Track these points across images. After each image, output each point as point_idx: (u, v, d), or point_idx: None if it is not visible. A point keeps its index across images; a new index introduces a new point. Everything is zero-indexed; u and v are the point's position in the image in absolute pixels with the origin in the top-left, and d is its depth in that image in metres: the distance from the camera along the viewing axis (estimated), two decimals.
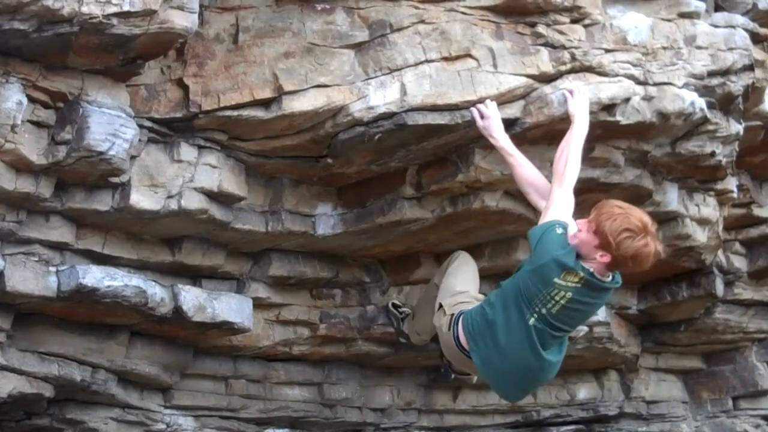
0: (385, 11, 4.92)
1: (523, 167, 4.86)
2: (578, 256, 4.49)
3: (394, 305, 5.86)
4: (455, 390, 6.83)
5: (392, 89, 4.81)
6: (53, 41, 4.24)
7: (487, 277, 6.07)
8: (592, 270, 4.49)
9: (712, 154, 5.58)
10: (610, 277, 4.60)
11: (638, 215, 4.44)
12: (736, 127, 5.64)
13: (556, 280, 4.50)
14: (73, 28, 4.18)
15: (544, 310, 4.55)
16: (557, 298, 4.52)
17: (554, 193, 4.72)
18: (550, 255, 4.50)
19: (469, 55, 4.93)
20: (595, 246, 4.45)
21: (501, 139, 4.84)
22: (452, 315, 4.90)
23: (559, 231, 4.55)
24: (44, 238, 4.85)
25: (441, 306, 5.04)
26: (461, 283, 5.21)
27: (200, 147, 4.92)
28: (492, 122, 4.83)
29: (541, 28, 5.07)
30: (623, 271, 4.62)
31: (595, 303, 4.69)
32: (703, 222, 6.08)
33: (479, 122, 4.84)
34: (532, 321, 4.59)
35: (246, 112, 4.81)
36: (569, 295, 4.51)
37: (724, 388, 7.52)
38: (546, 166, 5.26)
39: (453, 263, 5.40)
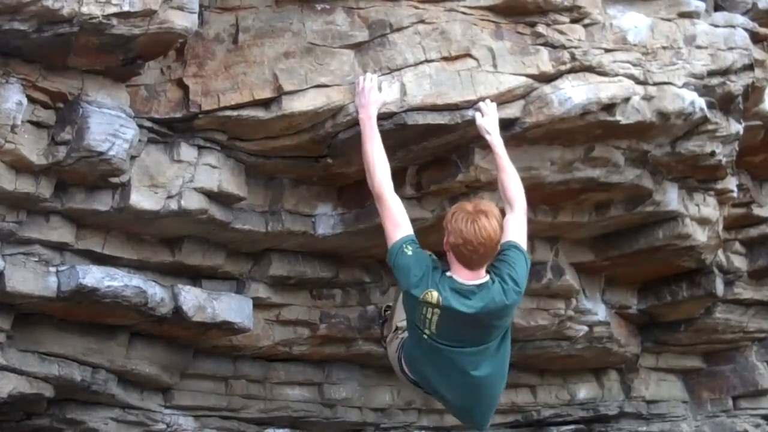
0: (385, 11, 4.92)
1: (504, 173, 4.80)
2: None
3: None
4: None
5: (392, 89, 4.81)
6: (53, 41, 4.24)
7: None
8: (453, 277, 4.43)
9: (712, 153, 5.58)
10: (484, 279, 4.47)
11: (477, 202, 4.49)
12: (736, 127, 5.64)
13: (419, 300, 4.44)
14: (72, 28, 4.18)
15: (427, 331, 4.50)
16: (428, 315, 4.46)
17: (507, 219, 4.65)
18: (405, 285, 4.47)
19: (469, 55, 4.93)
20: (445, 237, 4.48)
21: (495, 137, 4.82)
22: (401, 339, 4.84)
23: (408, 252, 4.49)
24: (44, 239, 4.85)
25: (397, 327, 4.98)
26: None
27: (200, 147, 4.92)
28: (490, 120, 4.82)
29: (540, 28, 5.07)
30: (465, 257, 4.43)
31: (487, 308, 4.47)
32: (703, 222, 6.08)
33: (478, 119, 4.83)
34: (427, 339, 4.53)
35: (246, 113, 4.81)
36: (438, 311, 4.44)
37: (724, 388, 7.52)
38: (546, 165, 5.28)
39: None
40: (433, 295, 4.42)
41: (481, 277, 4.48)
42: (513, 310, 4.61)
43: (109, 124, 4.52)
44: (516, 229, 4.65)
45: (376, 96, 4.74)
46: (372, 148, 4.66)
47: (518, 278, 4.52)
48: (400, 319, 4.94)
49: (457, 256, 4.46)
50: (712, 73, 5.40)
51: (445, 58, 4.90)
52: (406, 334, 4.80)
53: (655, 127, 5.26)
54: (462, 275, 4.47)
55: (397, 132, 4.86)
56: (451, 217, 4.45)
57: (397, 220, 4.59)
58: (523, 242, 4.64)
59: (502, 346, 4.67)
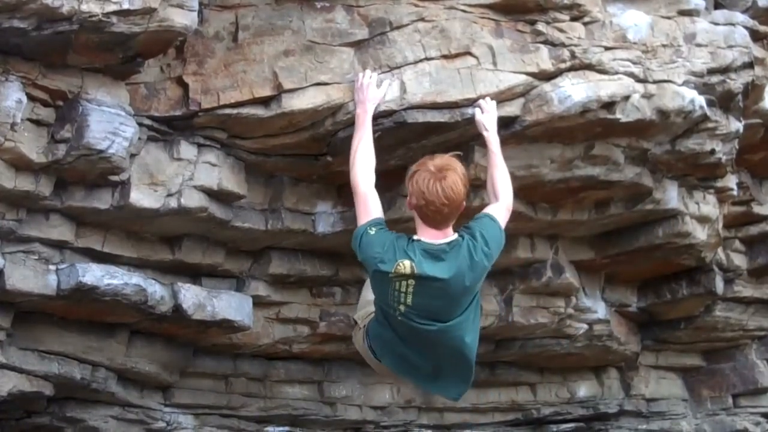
0: (385, 9, 4.92)
1: (496, 168, 4.78)
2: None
3: None
4: None
5: (392, 87, 4.81)
6: (53, 39, 4.24)
7: (486, 276, 6.07)
8: (421, 239, 4.37)
9: (712, 151, 5.58)
10: (453, 236, 4.41)
11: (441, 158, 4.38)
12: (736, 125, 5.64)
13: (390, 275, 4.37)
14: (72, 26, 4.18)
15: (402, 307, 4.43)
16: (402, 289, 4.39)
17: (488, 206, 4.67)
18: (372, 264, 4.41)
19: (469, 53, 4.93)
20: (408, 194, 4.41)
21: (491, 134, 4.81)
22: (364, 327, 4.79)
23: (371, 231, 4.44)
24: (44, 237, 4.85)
25: (356, 321, 4.94)
26: (368, 295, 5.03)
27: (200, 145, 4.92)
28: (488, 117, 4.82)
29: (540, 26, 5.07)
30: (430, 217, 4.37)
31: (460, 270, 4.39)
32: (703, 220, 6.08)
33: (477, 115, 4.83)
34: (401, 318, 4.47)
35: (246, 111, 4.81)
36: (412, 282, 4.37)
37: (724, 386, 7.52)
38: (546, 163, 5.28)
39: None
40: (406, 265, 4.34)
41: (449, 235, 4.43)
42: (482, 272, 4.49)
43: (109, 122, 4.52)
44: (494, 208, 4.63)
45: (374, 92, 4.74)
46: (359, 141, 4.66)
47: (488, 238, 4.45)
48: (362, 315, 4.87)
49: (421, 216, 4.40)
50: (712, 71, 5.40)
51: (444, 56, 4.90)
52: (368, 321, 4.75)
53: (655, 125, 5.26)
54: (429, 235, 4.41)
55: (397, 130, 4.86)
56: (412, 176, 4.37)
57: (368, 209, 4.54)
58: (500, 220, 4.57)
59: (473, 315, 4.59)
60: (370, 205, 4.56)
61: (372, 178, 4.62)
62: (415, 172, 4.39)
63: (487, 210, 4.63)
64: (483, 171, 5.11)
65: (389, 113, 4.81)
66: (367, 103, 4.71)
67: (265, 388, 6.19)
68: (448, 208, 4.34)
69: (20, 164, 4.53)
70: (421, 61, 4.87)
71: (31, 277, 4.83)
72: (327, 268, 5.76)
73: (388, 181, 5.29)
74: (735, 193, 6.20)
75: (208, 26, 4.83)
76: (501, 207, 4.67)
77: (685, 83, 5.29)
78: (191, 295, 5.27)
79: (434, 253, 4.38)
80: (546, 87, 4.99)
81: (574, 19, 5.15)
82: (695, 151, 5.55)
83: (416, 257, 4.35)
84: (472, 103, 4.86)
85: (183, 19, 4.42)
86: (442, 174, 4.33)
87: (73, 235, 4.93)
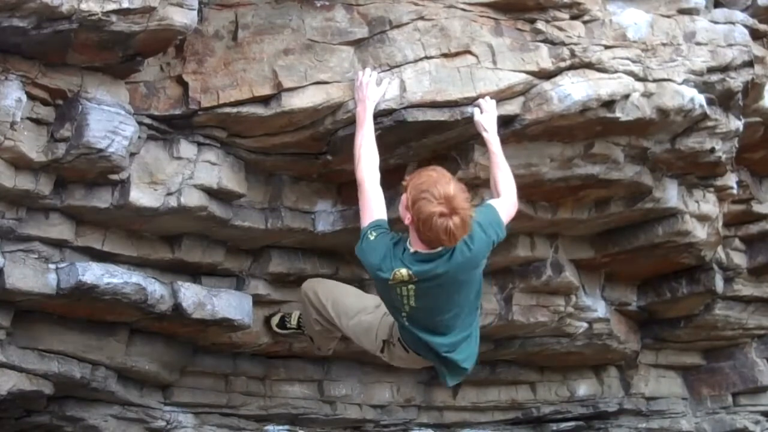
0: (385, 8, 4.92)
1: (498, 169, 4.80)
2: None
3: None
4: (455, 387, 6.83)
5: (392, 86, 4.81)
6: (52, 38, 4.23)
7: (486, 274, 6.06)
8: (417, 251, 4.37)
9: (712, 150, 5.59)
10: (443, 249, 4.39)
11: (446, 186, 4.23)
12: (736, 124, 5.64)
13: (390, 283, 4.43)
14: (72, 25, 4.18)
15: (407, 308, 4.49)
16: (404, 293, 4.44)
17: (493, 200, 4.70)
18: (372, 271, 4.46)
19: (469, 52, 4.93)
20: (405, 207, 4.36)
21: (491, 134, 4.82)
22: (398, 338, 4.81)
23: (371, 237, 4.46)
24: (44, 236, 4.85)
25: (384, 342, 4.91)
26: (355, 304, 5.10)
27: (200, 144, 4.92)
28: (488, 117, 4.82)
29: (540, 25, 5.07)
30: (428, 241, 4.33)
31: (456, 263, 4.40)
32: (702, 218, 6.08)
33: (476, 115, 4.83)
34: (407, 323, 4.57)
35: (245, 109, 4.81)
36: (412, 287, 4.42)
37: (723, 385, 7.52)
38: (545, 162, 5.27)
39: (322, 296, 5.19)
40: (403, 273, 4.39)
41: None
42: (483, 256, 4.50)
43: (109, 121, 4.52)
44: (495, 201, 4.66)
45: (374, 90, 4.75)
46: (363, 138, 4.67)
47: (485, 223, 4.45)
48: (379, 322, 4.90)
49: (419, 236, 4.36)
50: (711, 70, 5.40)
51: (444, 55, 4.90)
52: (388, 320, 4.80)
53: (655, 123, 5.26)
54: (425, 248, 4.40)
55: (397, 129, 4.86)
56: (415, 202, 4.26)
57: (371, 208, 4.55)
58: (500, 210, 4.59)
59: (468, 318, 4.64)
60: (373, 204, 4.57)
61: (377, 175, 4.64)
62: (416, 198, 4.26)
63: (489, 201, 4.67)
64: (483, 170, 5.12)
65: (389, 112, 4.81)
66: (367, 101, 4.72)
67: (265, 386, 6.19)
68: (448, 242, 4.32)
69: (20, 163, 4.53)
70: (420, 59, 4.87)
71: (31, 276, 4.83)
72: (327, 266, 5.76)
73: (389, 180, 5.27)
74: (735, 191, 6.20)
75: (207, 25, 4.83)
76: (503, 201, 4.70)
77: (685, 82, 5.29)
78: (191, 294, 5.27)
79: (430, 258, 4.41)
80: (546, 85, 4.99)
81: (573, 17, 5.15)
82: (695, 149, 5.55)
83: (412, 265, 4.39)
84: (472, 101, 4.87)
85: (183, 17, 4.42)
86: (449, 211, 4.22)
87: (72, 233, 4.93)
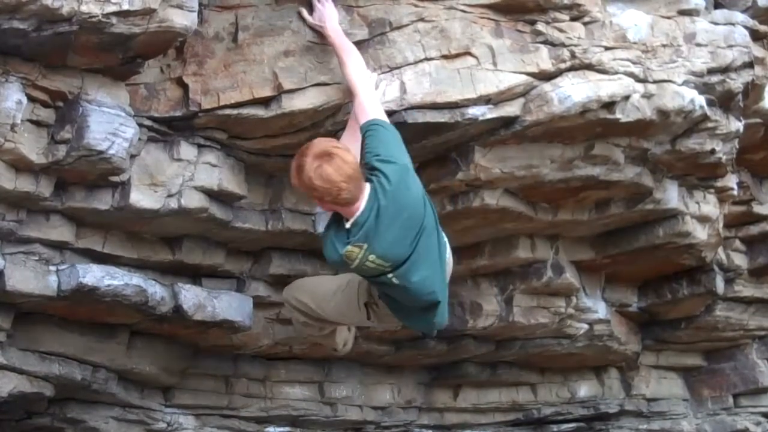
0: (385, 9, 4.91)
1: (345, 67, 4.65)
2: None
3: None
4: (456, 388, 6.84)
5: (392, 87, 4.80)
6: (53, 40, 4.23)
7: (487, 274, 6.09)
8: (348, 226, 4.34)
9: (712, 151, 5.59)
10: (366, 193, 4.32)
11: (305, 148, 4.34)
12: (736, 125, 5.64)
13: (355, 265, 4.40)
14: (72, 27, 4.17)
15: (387, 267, 4.41)
16: (361, 257, 4.37)
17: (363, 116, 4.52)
18: (341, 268, 4.50)
19: (469, 53, 4.93)
20: (307, 194, 4.45)
21: (332, 29, 4.68)
22: (378, 296, 4.76)
23: (327, 234, 4.47)
24: (44, 238, 4.85)
25: (366, 305, 4.87)
26: (330, 286, 5.04)
27: (200, 146, 4.92)
28: (326, 11, 4.70)
29: (540, 26, 5.06)
30: (337, 202, 4.32)
31: (387, 205, 4.32)
32: (703, 219, 6.08)
33: (309, 18, 4.74)
34: (396, 280, 4.48)
35: (246, 111, 4.81)
36: (366, 253, 4.35)
37: (724, 386, 7.53)
38: (546, 163, 5.27)
39: (301, 296, 5.12)
40: (352, 250, 4.35)
41: (364, 194, 4.35)
42: (407, 183, 4.39)
43: (109, 123, 4.52)
44: (365, 113, 4.51)
45: (331, 11, 4.67)
46: (346, 68, 4.61)
47: (385, 154, 4.37)
48: (353, 291, 4.87)
49: (337, 207, 4.37)
50: (711, 71, 5.40)
51: (444, 56, 4.89)
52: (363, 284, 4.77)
53: (655, 124, 5.26)
54: (348, 213, 4.37)
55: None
56: (304, 183, 4.32)
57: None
58: (377, 118, 4.48)
59: (440, 245, 4.56)
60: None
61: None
62: (300, 179, 4.33)
63: (364, 122, 4.48)
64: (483, 171, 5.12)
65: (389, 113, 4.79)
66: (330, 21, 4.64)
67: (266, 388, 6.20)
68: (347, 184, 4.27)
69: (20, 165, 4.52)
70: (421, 61, 4.86)
71: (32, 277, 4.83)
72: (327, 268, 5.74)
73: None
74: (735, 192, 6.20)
75: (207, 27, 4.82)
76: (366, 103, 4.51)
77: (685, 83, 5.29)
78: (191, 296, 5.27)
79: (360, 218, 4.33)
80: (546, 87, 4.99)
81: (573, 18, 5.15)
82: (695, 150, 5.55)
83: (354, 237, 4.33)
84: (472, 103, 4.86)
85: (183, 19, 4.42)
86: (325, 158, 4.27)
87: (73, 235, 4.93)
